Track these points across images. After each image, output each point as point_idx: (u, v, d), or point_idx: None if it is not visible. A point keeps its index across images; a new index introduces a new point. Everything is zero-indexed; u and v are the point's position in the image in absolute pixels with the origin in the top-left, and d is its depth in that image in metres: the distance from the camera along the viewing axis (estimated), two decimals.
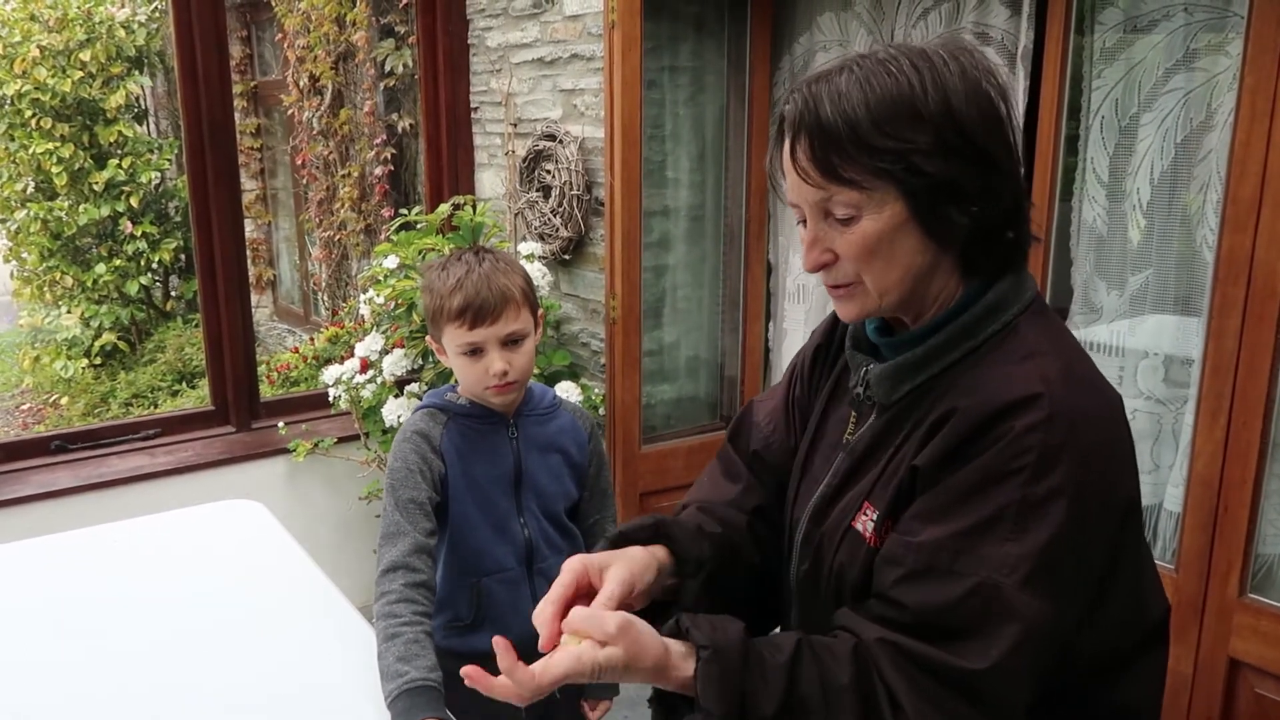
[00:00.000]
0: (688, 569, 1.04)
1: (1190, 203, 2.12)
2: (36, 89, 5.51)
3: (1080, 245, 2.32)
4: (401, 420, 2.85)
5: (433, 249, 2.93)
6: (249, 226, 5.99)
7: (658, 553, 1.03)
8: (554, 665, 0.87)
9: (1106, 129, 2.23)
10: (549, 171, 3.06)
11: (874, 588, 0.93)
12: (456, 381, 1.68)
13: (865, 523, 0.97)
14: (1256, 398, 1.94)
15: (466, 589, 1.63)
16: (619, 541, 1.03)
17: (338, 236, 5.01)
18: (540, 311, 1.66)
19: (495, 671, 0.96)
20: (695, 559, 1.04)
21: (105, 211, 5.79)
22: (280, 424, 3.16)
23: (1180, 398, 2.17)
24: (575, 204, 2.99)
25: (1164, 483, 2.17)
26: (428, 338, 1.68)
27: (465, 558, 1.63)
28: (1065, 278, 2.35)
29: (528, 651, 1.60)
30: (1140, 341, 2.24)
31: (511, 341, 1.57)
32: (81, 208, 5.75)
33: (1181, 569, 2.08)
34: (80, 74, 5.61)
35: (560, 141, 3.02)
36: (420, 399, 2.88)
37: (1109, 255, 2.28)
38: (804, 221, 0.98)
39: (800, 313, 3.15)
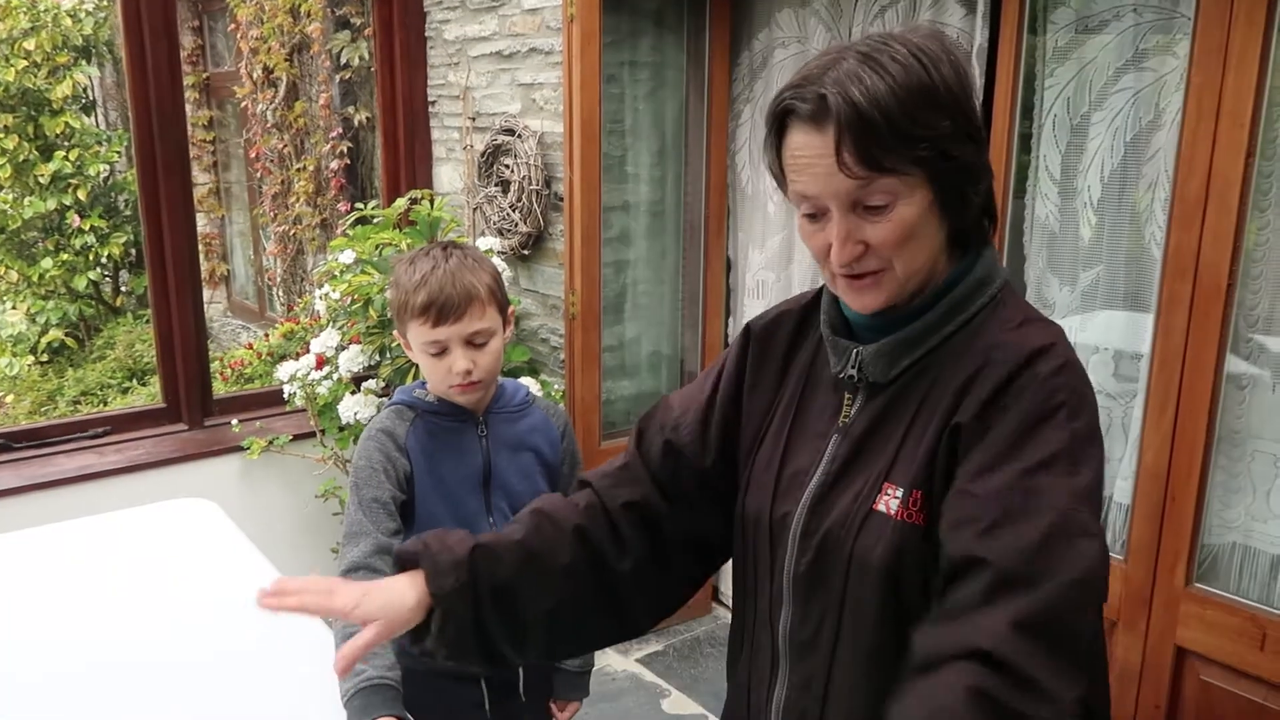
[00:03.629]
0: (436, 597, 1.05)
1: (1139, 200, 2.16)
2: None
3: (1033, 241, 2.36)
4: (358, 417, 2.82)
5: (389, 244, 2.90)
6: (201, 220, 5.88)
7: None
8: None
9: (1059, 127, 2.26)
10: (508, 166, 3.05)
11: (951, 552, 0.91)
12: (419, 379, 1.66)
13: (888, 502, 0.98)
14: (1202, 391, 1.98)
15: None
16: (400, 560, 1.09)
17: (292, 231, 4.94)
18: (510, 309, 1.63)
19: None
20: (433, 594, 1.05)
21: (52, 205, 5.66)
22: (234, 421, 3.11)
23: (1130, 392, 2.22)
24: (534, 199, 2.98)
25: (1114, 475, 2.21)
26: (394, 331, 1.65)
27: None
28: (1019, 273, 2.39)
29: None
30: (1091, 337, 2.28)
31: (477, 341, 1.54)
32: (27, 201, 5.61)
33: (1130, 559, 2.12)
34: (24, 63, 5.47)
35: (519, 136, 3.00)
36: (376, 395, 2.86)
37: (1061, 251, 2.31)
38: (812, 215, 0.98)
39: (760, 308, 3.15)
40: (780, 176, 1.01)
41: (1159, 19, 2.07)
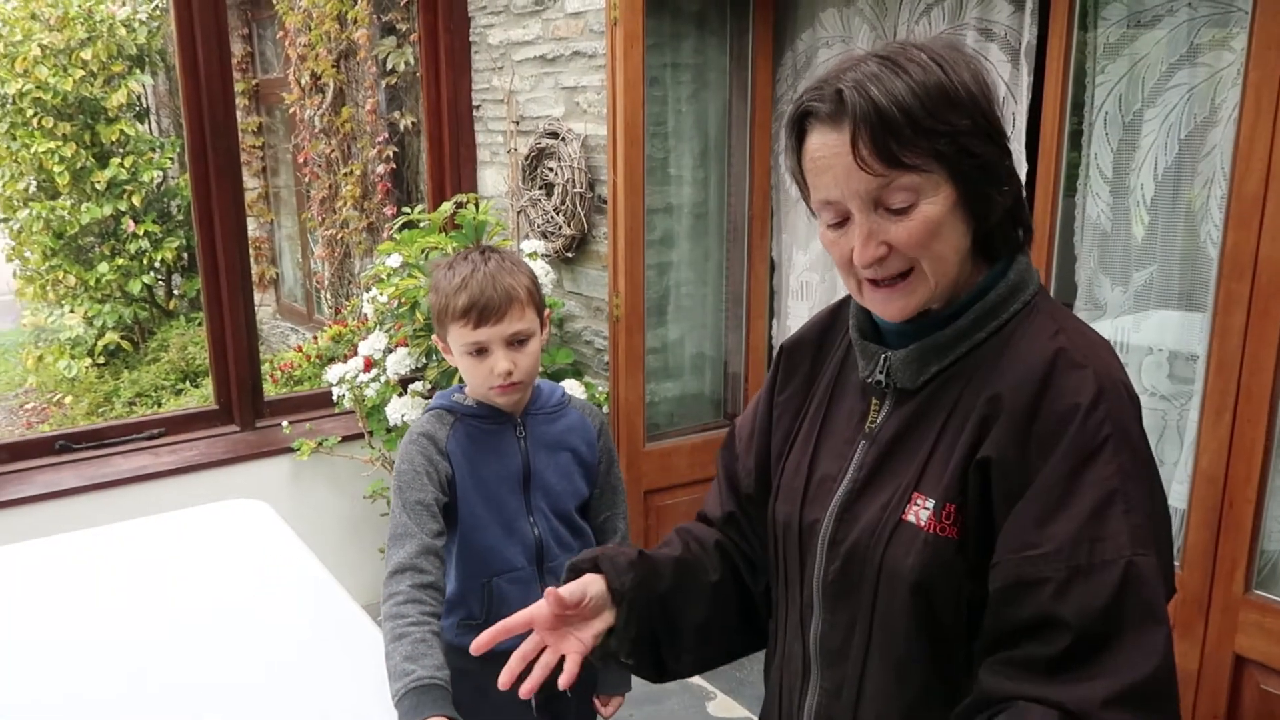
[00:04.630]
0: (614, 598, 1.12)
1: (1194, 198, 2.11)
2: (38, 88, 5.51)
3: (1084, 241, 2.32)
4: (405, 419, 2.85)
5: (435, 247, 2.93)
6: (251, 225, 5.99)
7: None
8: None
9: (1110, 125, 2.22)
10: (551, 169, 3.06)
11: (1024, 611, 0.89)
12: (464, 382, 1.68)
13: (918, 513, 0.96)
14: (1261, 394, 1.93)
15: (478, 588, 1.64)
16: (573, 569, 1.13)
17: (340, 235, 5.00)
18: (547, 311, 1.65)
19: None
20: (617, 590, 1.11)
21: (107, 210, 5.79)
22: (284, 423, 3.16)
23: (1185, 394, 2.17)
24: (578, 202, 2.99)
25: (1169, 479, 2.17)
26: (434, 336, 1.68)
27: (476, 557, 1.63)
28: (1069, 273, 2.35)
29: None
30: (1144, 337, 2.24)
31: (517, 341, 1.57)
32: (84, 207, 5.75)
33: (1186, 566, 2.08)
34: (81, 72, 5.61)
35: (563, 139, 3.01)
36: (424, 397, 2.89)
37: (1113, 251, 2.27)
38: (838, 223, 0.97)
39: (804, 309, 3.14)
40: (802, 183, 1.00)
41: (1214, 13, 2.02)
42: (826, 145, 0.94)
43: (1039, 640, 0.88)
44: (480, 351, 1.56)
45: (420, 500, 1.52)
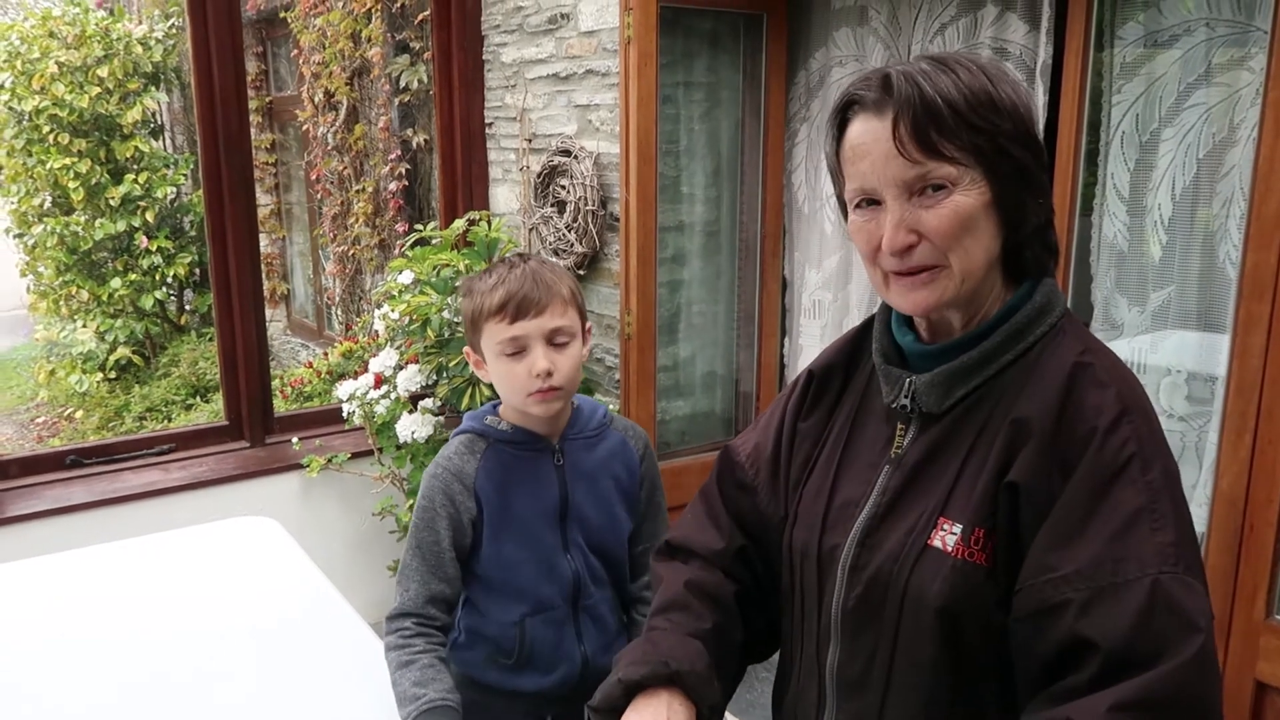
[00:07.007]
0: (703, 713, 1.04)
1: (1213, 219, 2.10)
2: (54, 105, 5.56)
3: (1100, 261, 2.30)
4: (415, 436, 2.84)
5: (448, 264, 2.92)
6: (263, 241, 6.01)
7: (678, 697, 1.03)
8: None
9: (1127, 144, 2.21)
10: (564, 187, 3.06)
11: (1052, 636, 0.87)
12: (496, 401, 1.55)
13: (945, 538, 0.94)
14: None
15: (511, 628, 1.52)
16: (632, 690, 1.03)
17: (351, 251, 5.02)
18: (588, 326, 1.53)
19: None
20: (710, 705, 1.05)
21: (121, 226, 5.82)
22: (294, 439, 3.15)
23: (1203, 415, 2.15)
24: (590, 219, 2.99)
25: (1188, 501, 2.13)
26: (466, 350, 1.54)
27: (508, 597, 1.51)
28: (1086, 293, 2.33)
29: (568, 692, 1.56)
30: (1162, 358, 2.22)
31: (557, 340, 1.44)
32: (98, 222, 5.78)
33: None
34: (98, 90, 5.65)
35: (575, 157, 3.01)
36: (434, 414, 2.88)
37: (1130, 271, 2.25)
38: (865, 203, 0.97)
39: (816, 328, 3.13)
40: (837, 171, 1.01)
41: (1232, 33, 2.01)
42: (868, 131, 0.95)
43: (1072, 668, 0.85)
44: (517, 351, 1.43)
45: (435, 543, 1.44)
